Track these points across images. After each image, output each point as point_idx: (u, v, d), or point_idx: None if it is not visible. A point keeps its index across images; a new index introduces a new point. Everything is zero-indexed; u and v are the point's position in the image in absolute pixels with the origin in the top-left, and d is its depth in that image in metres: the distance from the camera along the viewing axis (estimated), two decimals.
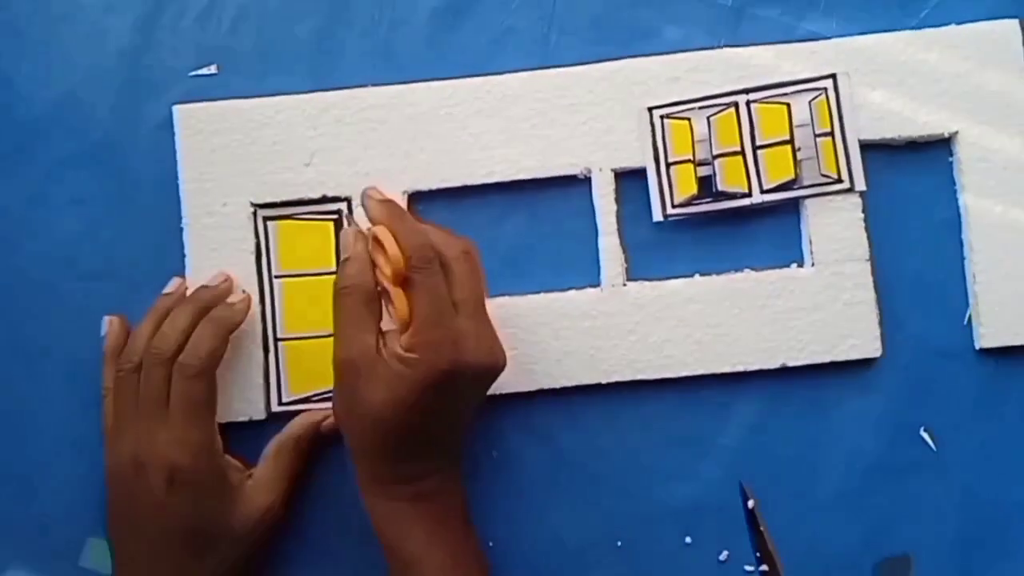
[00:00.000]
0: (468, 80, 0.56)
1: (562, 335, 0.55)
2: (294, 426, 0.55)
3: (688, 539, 0.55)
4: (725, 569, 0.55)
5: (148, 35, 0.58)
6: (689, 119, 0.55)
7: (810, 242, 0.55)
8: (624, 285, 0.55)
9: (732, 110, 0.55)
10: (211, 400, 0.52)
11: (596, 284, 0.56)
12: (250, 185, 0.56)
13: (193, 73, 0.58)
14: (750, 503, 0.55)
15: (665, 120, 0.56)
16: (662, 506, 0.55)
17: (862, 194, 0.55)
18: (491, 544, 0.55)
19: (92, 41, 0.58)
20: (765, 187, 0.55)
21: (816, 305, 0.55)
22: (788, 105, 0.55)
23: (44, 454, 0.56)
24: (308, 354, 0.55)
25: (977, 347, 0.55)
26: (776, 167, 0.55)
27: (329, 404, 0.55)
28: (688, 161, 0.55)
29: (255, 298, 0.55)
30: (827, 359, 0.54)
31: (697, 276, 0.55)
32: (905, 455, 0.55)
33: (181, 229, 0.56)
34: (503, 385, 0.54)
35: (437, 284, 0.48)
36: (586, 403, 0.55)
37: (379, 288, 0.49)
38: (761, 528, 0.55)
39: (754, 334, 0.55)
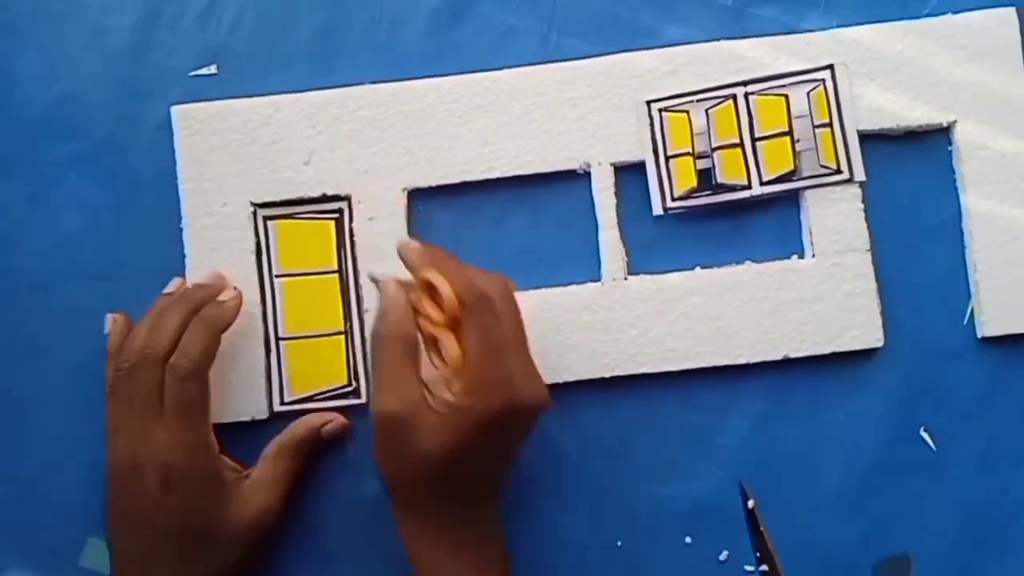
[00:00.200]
0: (466, 76, 0.56)
1: (563, 329, 0.55)
2: (296, 428, 0.54)
3: (688, 539, 0.55)
4: (725, 569, 0.55)
5: (148, 35, 0.58)
6: (688, 112, 0.56)
7: (810, 233, 0.55)
8: (625, 279, 0.55)
9: (730, 102, 0.55)
10: (204, 400, 0.51)
11: (597, 279, 0.56)
12: (250, 184, 0.56)
13: (193, 73, 0.58)
14: (750, 503, 0.55)
15: (663, 113, 0.56)
16: (662, 506, 0.55)
17: (861, 184, 0.55)
18: None
19: (92, 41, 0.58)
20: (765, 179, 0.55)
21: (817, 296, 0.55)
22: (786, 96, 0.55)
23: (44, 454, 0.56)
24: (310, 353, 0.55)
25: (979, 336, 0.55)
26: (775, 159, 0.55)
27: (331, 404, 0.55)
28: (687, 154, 0.55)
29: (256, 298, 0.55)
30: (829, 350, 0.54)
31: (698, 269, 0.55)
32: (905, 455, 0.55)
33: (181, 229, 0.56)
34: None
35: (489, 325, 0.47)
36: (586, 403, 0.55)
37: (421, 336, 0.48)
38: (761, 528, 0.54)
39: (755, 326, 0.55)
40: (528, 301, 0.55)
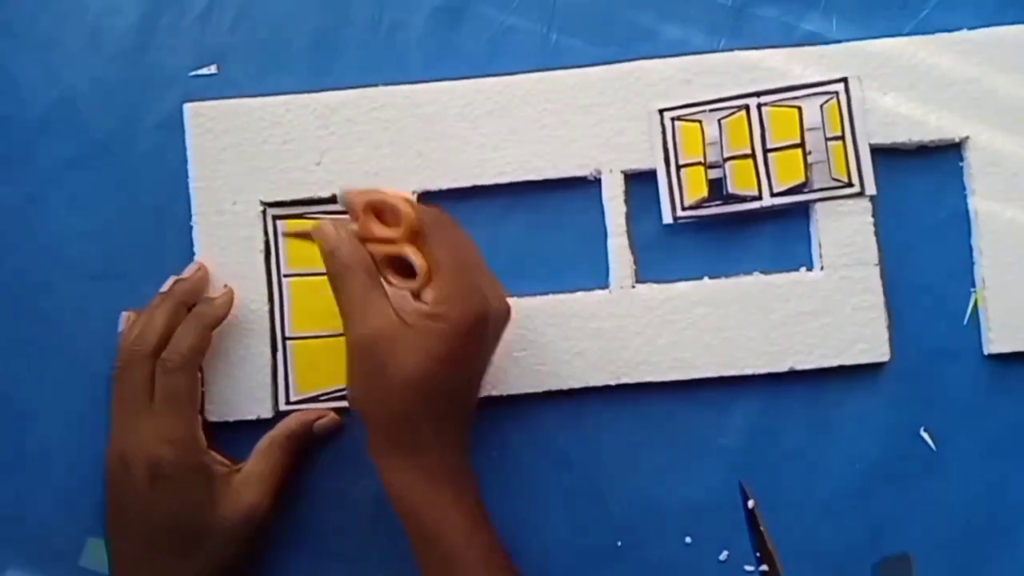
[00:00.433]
0: (479, 80, 0.56)
1: (570, 336, 0.55)
2: (288, 423, 0.54)
3: (688, 539, 0.55)
4: (725, 569, 0.55)
5: (148, 35, 0.58)
6: (700, 121, 0.56)
7: (819, 246, 0.55)
8: (633, 287, 0.55)
9: (743, 113, 0.55)
10: (193, 395, 0.52)
11: (605, 286, 0.56)
12: (260, 184, 0.56)
13: (193, 73, 0.58)
14: (750, 503, 0.55)
15: (676, 122, 0.56)
16: (662, 506, 0.55)
17: (872, 198, 0.55)
18: None
19: (92, 41, 0.58)
20: (775, 190, 0.55)
21: (825, 309, 0.55)
22: (799, 108, 0.55)
23: (44, 454, 0.56)
24: (316, 353, 0.55)
25: (985, 352, 0.55)
26: (786, 170, 0.55)
27: (337, 405, 0.55)
28: (698, 163, 0.55)
29: (263, 297, 0.55)
30: (835, 363, 0.54)
31: (706, 279, 0.55)
32: (905, 455, 0.55)
33: (183, 228, 0.56)
34: (510, 386, 0.55)
35: (450, 236, 0.48)
36: (586, 403, 0.55)
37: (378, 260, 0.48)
38: (761, 528, 0.55)
39: (763, 337, 0.55)
40: (535, 307, 0.55)
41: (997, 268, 0.55)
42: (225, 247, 0.56)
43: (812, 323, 0.55)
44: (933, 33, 0.56)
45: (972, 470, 0.55)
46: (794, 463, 0.55)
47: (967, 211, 0.56)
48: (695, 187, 0.55)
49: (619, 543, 0.55)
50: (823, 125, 0.55)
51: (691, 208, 0.55)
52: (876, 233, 0.55)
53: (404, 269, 0.48)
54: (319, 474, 0.56)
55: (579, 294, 0.55)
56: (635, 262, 0.56)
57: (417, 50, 0.57)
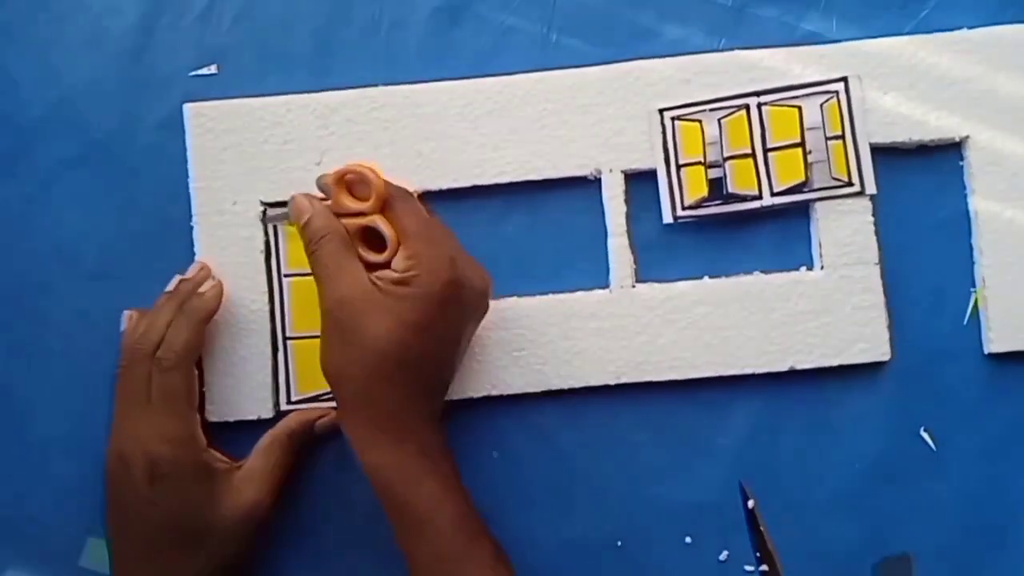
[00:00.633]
0: (479, 80, 0.56)
1: (570, 336, 0.55)
2: (289, 421, 0.55)
3: (688, 539, 0.55)
4: (725, 569, 0.55)
5: (148, 35, 0.58)
6: (700, 121, 0.56)
7: (819, 245, 0.55)
8: (633, 287, 0.55)
9: (743, 112, 0.55)
10: (190, 392, 0.52)
11: (605, 285, 0.56)
12: (260, 184, 0.56)
13: (193, 73, 0.58)
14: (750, 503, 0.55)
15: (676, 122, 0.56)
16: (662, 506, 0.55)
17: (872, 198, 0.55)
18: None
19: (92, 41, 0.58)
20: (775, 190, 0.55)
21: (825, 308, 0.55)
22: (799, 108, 0.55)
23: (44, 454, 0.56)
24: (317, 353, 0.55)
25: (985, 352, 0.55)
26: (787, 170, 0.55)
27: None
28: (699, 163, 0.55)
29: (264, 297, 0.55)
30: (836, 362, 0.54)
31: (706, 278, 0.55)
32: (905, 455, 0.55)
33: (183, 227, 0.56)
34: (511, 385, 0.55)
35: (417, 208, 0.49)
36: (586, 403, 0.55)
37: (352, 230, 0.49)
38: (761, 528, 0.55)
39: (763, 337, 0.55)
40: (535, 307, 0.55)
41: (997, 268, 0.55)
42: (225, 247, 0.56)
43: (812, 322, 0.55)
44: (933, 33, 0.56)
45: (972, 470, 0.55)
46: (794, 463, 0.55)
47: (967, 211, 0.56)
48: (695, 187, 0.55)
49: (619, 543, 0.55)
50: (823, 124, 0.55)
51: (691, 208, 0.55)
52: (876, 232, 0.55)
53: (377, 244, 0.49)
54: (319, 474, 0.56)
55: (579, 294, 0.55)
56: (635, 262, 0.56)
57: (417, 50, 0.58)
